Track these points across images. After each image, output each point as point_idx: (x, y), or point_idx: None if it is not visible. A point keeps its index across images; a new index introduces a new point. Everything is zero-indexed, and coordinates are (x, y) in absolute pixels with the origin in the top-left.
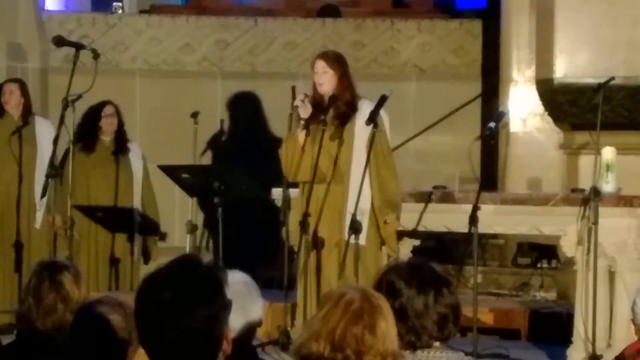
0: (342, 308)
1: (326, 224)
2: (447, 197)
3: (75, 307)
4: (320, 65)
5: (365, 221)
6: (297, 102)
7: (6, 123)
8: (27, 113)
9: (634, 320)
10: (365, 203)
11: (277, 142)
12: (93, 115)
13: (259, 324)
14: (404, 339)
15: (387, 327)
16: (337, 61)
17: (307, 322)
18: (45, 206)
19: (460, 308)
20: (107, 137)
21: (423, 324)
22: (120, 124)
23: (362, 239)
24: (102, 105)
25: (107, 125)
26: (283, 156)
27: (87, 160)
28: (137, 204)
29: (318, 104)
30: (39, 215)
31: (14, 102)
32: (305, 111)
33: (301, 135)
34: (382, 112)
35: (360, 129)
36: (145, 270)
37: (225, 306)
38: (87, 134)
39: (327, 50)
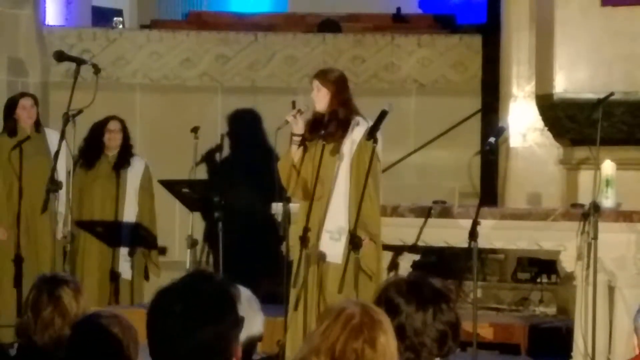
0: (342, 323)
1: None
2: (446, 212)
3: (74, 322)
4: (315, 83)
5: (342, 239)
6: (289, 118)
7: (20, 138)
8: (38, 125)
9: (637, 334)
10: (343, 221)
11: (276, 157)
12: (97, 131)
13: (259, 338)
14: (402, 356)
15: (388, 342)
16: (332, 79)
17: (307, 337)
18: (62, 217)
19: (460, 324)
20: (110, 152)
21: (422, 341)
22: (126, 139)
23: (337, 257)
24: (107, 120)
25: (111, 140)
26: (281, 172)
27: (87, 175)
28: (129, 218)
29: (317, 121)
30: (59, 227)
31: (35, 116)
32: (297, 127)
33: (294, 151)
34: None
35: (347, 147)
36: (147, 285)
37: (236, 323)
38: (90, 149)
39: (324, 69)
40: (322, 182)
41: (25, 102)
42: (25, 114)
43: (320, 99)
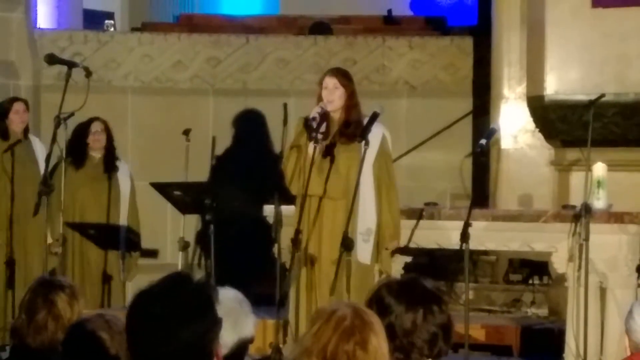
0: (333, 324)
1: (327, 241)
2: (438, 213)
3: (67, 326)
4: (332, 82)
5: (371, 241)
6: (314, 114)
7: (11, 142)
8: (27, 130)
9: (628, 336)
10: (372, 223)
11: (268, 159)
12: (81, 132)
13: (251, 340)
14: (392, 356)
15: (379, 343)
16: (347, 79)
17: (299, 339)
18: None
19: (452, 326)
20: (96, 154)
21: (411, 341)
22: (110, 141)
23: (367, 257)
24: (90, 122)
25: (95, 142)
26: (289, 170)
27: (76, 177)
28: (123, 222)
29: (323, 120)
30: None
31: (26, 122)
32: (319, 125)
33: (311, 148)
34: (386, 133)
35: (368, 150)
36: (134, 287)
37: (215, 322)
38: (75, 150)
39: (337, 67)
40: (336, 185)
41: (19, 107)
42: (18, 118)
43: (336, 98)
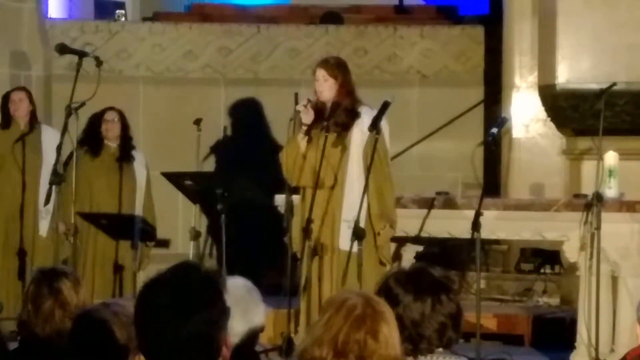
0: (344, 313)
1: (324, 231)
2: (449, 203)
3: (74, 313)
4: (321, 73)
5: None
6: (300, 107)
7: (14, 132)
8: (33, 121)
9: None
10: (363, 211)
11: (279, 148)
12: (95, 121)
13: (261, 329)
14: (401, 346)
15: (390, 332)
16: (337, 69)
17: (310, 328)
18: (50, 214)
19: (461, 315)
20: (112, 143)
21: (420, 332)
22: (124, 130)
23: (345, 244)
24: (104, 111)
25: (108, 131)
26: (284, 161)
27: (92, 166)
28: (138, 212)
29: (319, 111)
30: (44, 223)
31: (24, 110)
32: (307, 117)
33: (302, 140)
34: (383, 121)
35: (357, 136)
36: (144, 276)
37: (223, 311)
38: (90, 138)
39: (328, 57)
40: (330, 171)
41: (15, 96)
42: (12, 107)
43: (327, 88)
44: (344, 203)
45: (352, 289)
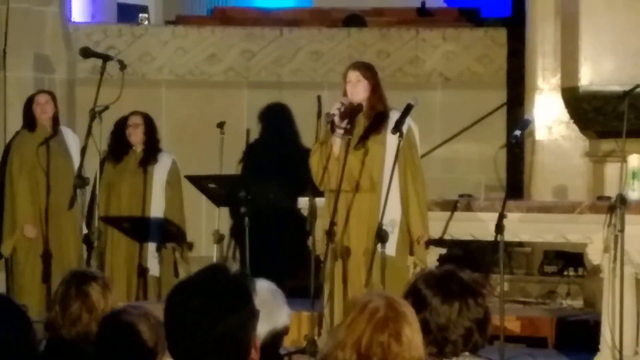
0: (367, 316)
1: (355, 233)
2: (473, 205)
3: (101, 317)
4: (355, 75)
5: (395, 232)
6: (334, 110)
7: (39, 134)
8: (56, 124)
9: None
10: (396, 214)
11: (302, 151)
12: (120, 126)
13: (285, 331)
14: (425, 349)
15: (413, 335)
16: (370, 71)
17: (332, 331)
18: (80, 216)
19: (489, 320)
20: (137, 148)
21: (446, 336)
22: (150, 134)
23: (392, 249)
24: (129, 115)
25: (132, 136)
26: (314, 165)
27: (114, 172)
28: (156, 214)
29: (352, 113)
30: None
31: (50, 113)
32: (340, 120)
33: (336, 144)
34: (413, 125)
35: (390, 139)
36: (174, 281)
37: (253, 314)
38: (117, 144)
39: (359, 61)
40: (365, 175)
41: (39, 98)
42: (39, 110)
43: (360, 91)
44: (385, 207)
45: (374, 290)
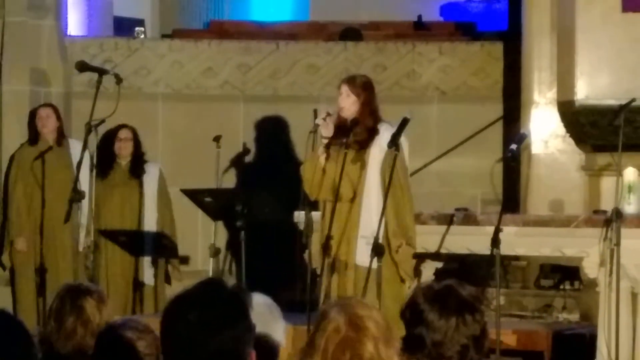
0: (326, 338)
1: (342, 247)
2: (469, 219)
3: (96, 331)
4: (344, 89)
5: None
6: (319, 121)
7: (41, 148)
8: (61, 137)
9: None
10: (382, 227)
11: (299, 165)
12: (108, 140)
13: (281, 346)
14: None
15: (377, 348)
16: (362, 87)
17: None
18: (84, 228)
19: (486, 336)
20: (123, 161)
21: (441, 352)
22: (138, 146)
23: (366, 261)
24: (117, 129)
25: (121, 149)
26: (304, 174)
27: (103, 185)
28: (150, 226)
29: (340, 126)
30: (81, 238)
31: (51, 127)
32: (327, 130)
33: (322, 155)
34: (402, 137)
35: (376, 152)
36: (169, 293)
37: (249, 328)
38: (103, 158)
39: (354, 75)
40: (349, 187)
41: (42, 112)
42: (40, 123)
43: (349, 105)
44: (361, 219)
45: (338, 302)
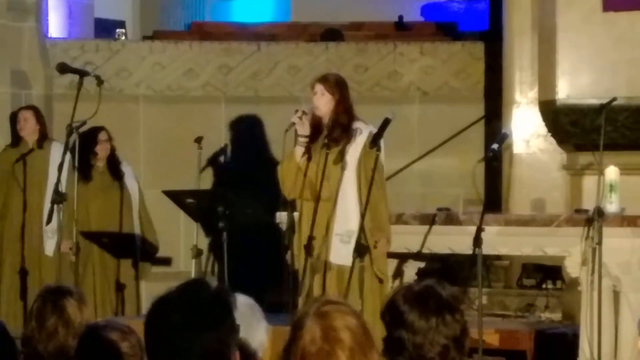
0: (301, 350)
1: (323, 246)
2: (451, 219)
3: (78, 331)
4: (319, 88)
5: (352, 242)
6: (294, 119)
7: (22, 150)
8: (42, 139)
9: None
10: (354, 225)
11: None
12: (89, 142)
13: (263, 347)
14: None
15: (353, 357)
16: (336, 85)
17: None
18: (57, 233)
19: (466, 336)
20: (100, 163)
21: (421, 354)
22: (112, 149)
23: (343, 259)
24: (96, 131)
25: (103, 150)
26: (280, 174)
27: (86, 188)
28: (136, 227)
29: (316, 125)
30: (50, 243)
31: (29, 129)
32: (303, 128)
33: (298, 152)
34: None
35: (352, 151)
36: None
37: (233, 329)
38: (82, 162)
39: (328, 74)
40: (326, 186)
41: (20, 115)
42: (19, 126)
43: (324, 104)
44: (337, 217)
45: (313, 305)
